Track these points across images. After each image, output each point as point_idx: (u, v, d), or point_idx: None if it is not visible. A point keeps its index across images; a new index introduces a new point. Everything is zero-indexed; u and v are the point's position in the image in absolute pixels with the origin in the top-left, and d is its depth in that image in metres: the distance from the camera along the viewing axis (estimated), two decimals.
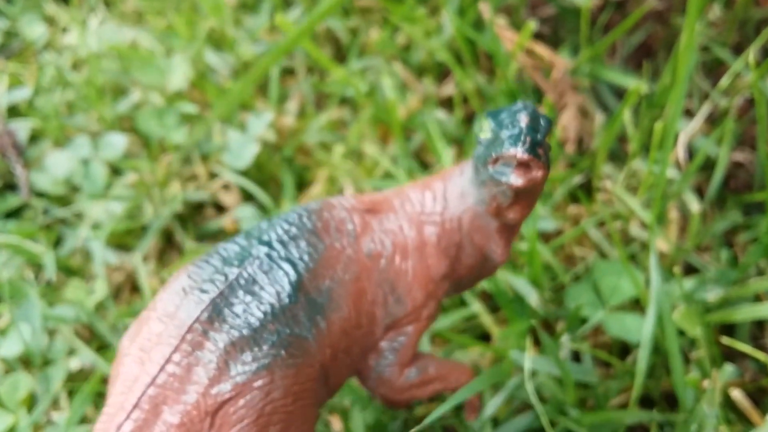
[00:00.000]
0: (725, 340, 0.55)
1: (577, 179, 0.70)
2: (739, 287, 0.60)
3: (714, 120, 0.72)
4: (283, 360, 0.41)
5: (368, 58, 0.80)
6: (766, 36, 0.66)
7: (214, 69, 0.81)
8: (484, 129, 0.44)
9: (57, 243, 0.71)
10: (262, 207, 0.71)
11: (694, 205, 0.63)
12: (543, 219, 0.66)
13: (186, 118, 0.75)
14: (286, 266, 0.43)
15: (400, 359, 0.48)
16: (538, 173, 0.42)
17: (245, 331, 0.41)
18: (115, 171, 0.75)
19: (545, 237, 0.68)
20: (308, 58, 0.82)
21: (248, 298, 0.42)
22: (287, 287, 0.43)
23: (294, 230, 0.45)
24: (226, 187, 0.73)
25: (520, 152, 0.41)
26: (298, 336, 0.42)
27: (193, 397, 0.39)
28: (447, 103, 0.79)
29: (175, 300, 0.42)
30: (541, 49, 0.74)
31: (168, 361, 0.40)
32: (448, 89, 0.79)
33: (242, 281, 0.42)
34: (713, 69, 0.77)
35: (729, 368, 0.54)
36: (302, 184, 0.75)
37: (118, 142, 0.73)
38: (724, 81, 0.67)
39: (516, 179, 0.42)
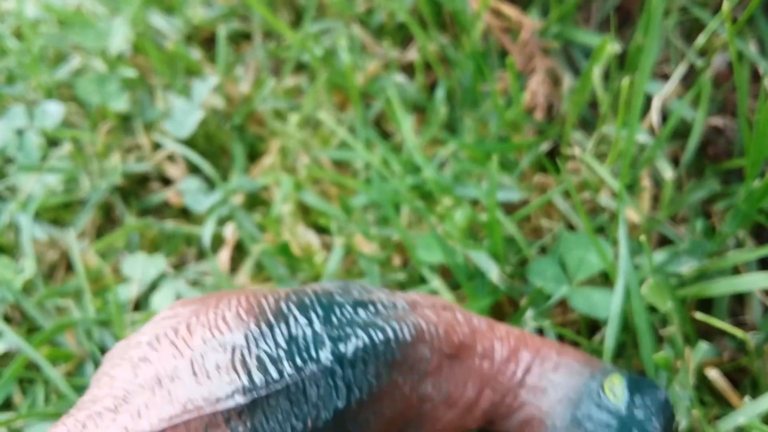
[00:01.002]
0: (699, 315, 0.50)
1: (545, 146, 0.66)
2: (716, 259, 0.55)
3: (691, 84, 0.68)
4: None
5: (326, 21, 0.75)
6: None
7: (162, 33, 0.76)
8: (616, 392, 0.41)
9: None
10: (208, 179, 0.67)
11: (668, 173, 0.59)
12: (507, 189, 0.62)
13: (127, 83, 0.70)
14: (341, 391, 0.37)
15: None
16: None
17: None
18: (54, 142, 0.70)
19: (510, 208, 0.64)
20: (265, 21, 0.78)
21: (287, 405, 0.36)
22: (329, 413, 0.37)
23: (370, 356, 0.38)
24: (171, 158, 0.69)
25: None
26: None
27: None
28: (409, 69, 0.75)
29: (218, 356, 0.35)
30: (508, 9, 0.69)
31: (170, 425, 0.34)
32: (411, 54, 0.74)
33: (292, 386, 0.36)
34: (693, 32, 0.72)
35: (704, 346, 0.50)
36: (254, 155, 0.70)
37: (54, 111, 0.68)
38: (701, 39, 0.63)
39: None
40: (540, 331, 0.56)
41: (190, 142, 0.68)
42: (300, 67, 0.76)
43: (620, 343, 0.54)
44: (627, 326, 0.54)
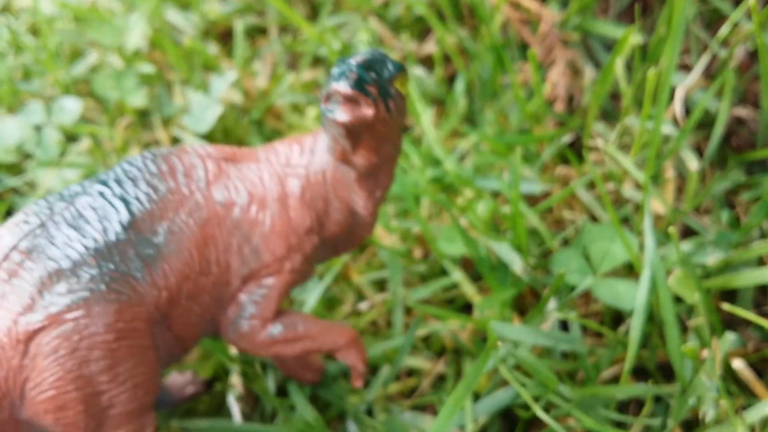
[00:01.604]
0: (726, 306, 0.50)
1: (567, 138, 0.65)
2: (741, 250, 0.55)
3: (713, 75, 0.67)
4: (102, 295, 0.40)
5: (343, 15, 0.75)
6: None
7: (177, 29, 0.76)
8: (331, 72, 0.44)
9: (8, 213, 0.66)
10: None
11: (693, 163, 0.58)
12: (529, 181, 0.61)
13: (145, 79, 0.70)
14: (118, 204, 0.43)
15: (262, 313, 0.46)
16: (367, 111, 0.40)
17: (63, 263, 0.40)
18: (72, 138, 0.70)
19: (532, 200, 0.63)
20: (281, 16, 0.77)
21: (71, 231, 0.41)
22: (116, 224, 0.42)
23: (134, 171, 0.44)
24: None
25: (342, 87, 0.40)
26: (124, 273, 0.41)
27: (4, 324, 0.39)
28: (428, 62, 0.74)
29: (3, 230, 0.42)
30: (528, 1, 0.69)
31: None
32: (429, 47, 0.74)
33: (68, 215, 0.42)
34: (712, 22, 0.72)
35: (730, 337, 0.50)
36: None
37: (72, 107, 0.68)
38: (724, 30, 0.62)
39: (341, 115, 0.40)
40: (564, 324, 0.55)
41: (208, 137, 0.68)
42: (317, 61, 0.75)
43: (646, 333, 0.53)
44: (652, 317, 0.53)
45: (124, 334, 0.41)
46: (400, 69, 0.42)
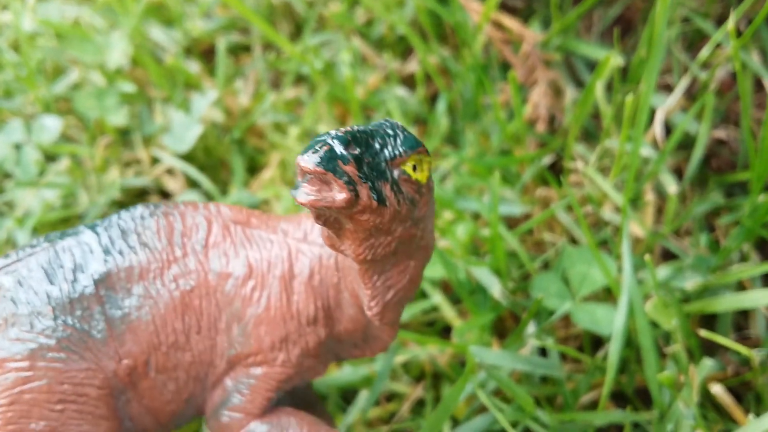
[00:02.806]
0: (703, 333, 0.50)
1: (548, 159, 0.65)
2: (720, 274, 0.55)
3: (695, 95, 0.67)
4: (49, 349, 0.37)
5: (326, 33, 0.75)
6: (747, 4, 0.61)
7: (161, 46, 0.75)
8: None
9: None
10: (207, 193, 0.66)
11: (672, 187, 0.58)
12: (509, 202, 0.61)
13: (126, 98, 0.69)
14: (99, 254, 0.39)
15: (246, 406, 0.41)
16: (335, 195, 0.33)
17: (21, 308, 0.38)
18: (52, 157, 0.69)
19: (512, 222, 0.63)
20: (265, 33, 0.77)
21: (40, 275, 0.38)
22: (88, 276, 0.38)
23: (128, 222, 0.40)
24: (170, 171, 0.68)
25: (304, 160, 0.33)
26: (81, 331, 0.38)
27: None
28: (411, 80, 0.74)
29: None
30: (510, 21, 0.69)
31: None
32: (412, 66, 0.74)
33: (44, 257, 0.39)
34: (695, 42, 0.72)
35: (708, 363, 0.49)
36: (254, 168, 0.70)
37: (52, 125, 0.67)
38: (704, 52, 0.62)
39: (301, 194, 0.33)
40: (543, 349, 0.55)
41: (189, 156, 0.68)
42: (300, 79, 0.75)
43: (624, 358, 0.53)
44: (630, 342, 0.53)
45: (70, 397, 0.38)
46: (413, 147, 0.35)
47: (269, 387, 0.41)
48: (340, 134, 0.33)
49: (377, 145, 0.35)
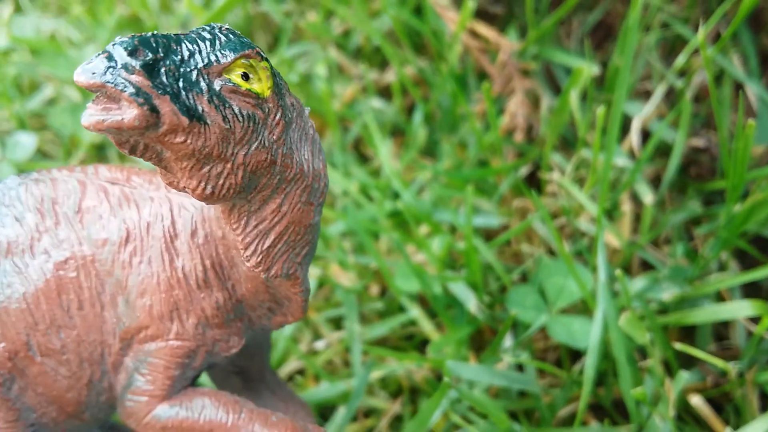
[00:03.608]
0: (679, 346, 0.49)
1: (525, 169, 0.65)
2: (698, 285, 0.54)
3: (674, 100, 0.67)
4: None
5: (303, 44, 0.75)
6: (722, 11, 0.61)
7: None
8: None
9: None
10: None
11: (647, 197, 0.58)
12: (486, 214, 0.61)
13: None
14: None
15: (149, 388, 0.36)
16: (127, 112, 0.27)
17: None
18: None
19: (491, 234, 0.63)
20: None
21: None
22: None
23: None
24: None
25: (78, 74, 0.27)
26: None
27: None
28: (388, 91, 0.74)
29: None
30: (486, 30, 0.68)
31: None
32: (390, 76, 0.73)
33: None
34: (675, 47, 0.71)
35: (684, 375, 0.49)
36: None
37: (27, 142, 0.67)
38: (681, 59, 0.62)
39: (84, 116, 0.28)
40: (519, 367, 0.55)
41: None
42: None
43: (601, 371, 0.53)
44: (608, 355, 0.53)
45: None
46: (238, 50, 0.29)
47: (169, 364, 0.36)
48: (124, 39, 0.27)
49: (185, 51, 0.28)
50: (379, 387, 0.56)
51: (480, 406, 0.47)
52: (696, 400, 0.51)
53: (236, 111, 0.29)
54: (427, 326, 0.57)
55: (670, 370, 0.53)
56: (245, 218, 0.33)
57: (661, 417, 0.47)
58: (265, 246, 0.33)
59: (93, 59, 0.27)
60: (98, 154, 0.69)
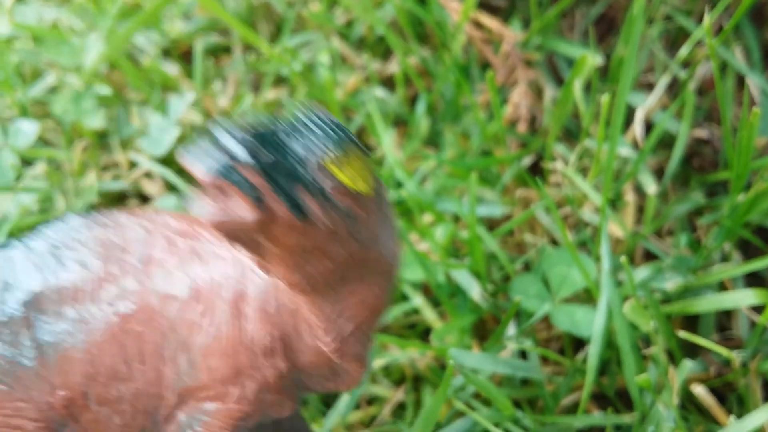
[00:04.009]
0: (682, 334, 0.49)
1: (528, 159, 0.65)
2: (701, 275, 0.54)
3: (677, 93, 0.67)
4: None
5: (306, 33, 0.74)
6: (726, 3, 0.61)
7: (139, 48, 0.75)
8: None
9: None
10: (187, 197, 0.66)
11: (651, 187, 0.58)
12: (489, 204, 0.61)
13: (104, 101, 0.69)
14: (30, 271, 0.35)
15: None
16: (239, 211, 0.26)
17: None
18: (28, 162, 0.69)
19: (493, 223, 0.63)
20: (243, 36, 0.76)
21: None
22: (16, 296, 0.34)
23: (61, 237, 0.36)
24: (148, 175, 0.67)
25: (196, 167, 0.26)
26: (10, 358, 0.34)
27: None
28: (391, 82, 0.74)
29: None
30: (489, 21, 0.68)
31: None
32: (393, 66, 0.73)
33: None
34: (678, 40, 0.71)
35: (688, 364, 0.49)
36: None
37: (29, 130, 0.66)
38: (684, 50, 0.62)
39: (198, 206, 0.27)
40: (522, 353, 0.55)
41: (167, 159, 0.67)
42: (280, 80, 0.75)
43: (605, 360, 0.53)
44: (611, 343, 0.53)
45: (3, 431, 0.35)
46: (345, 145, 0.28)
47: (224, 424, 0.37)
48: (244, 136, 0.26)
49: (299, 149, 0.27)
50: (382, 375, 0.56)
51: (485, 391, 0.47)
52: (699, 390, 0.51)
53: (340, 208, 0.28)
54: (430, 315, 0.57)
55: (673, 359, 0.53)
56: (329, 306, 0.32)
57: (665, 405, 0.47)
58: (345, 334, 0.33)
59: (210, 152, 0.26)
60: (100, 141, 0.69)
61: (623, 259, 0.48)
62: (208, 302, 0.35)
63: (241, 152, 0.26)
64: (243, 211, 0.26)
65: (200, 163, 0.26)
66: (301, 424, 0.46)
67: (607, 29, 0.76)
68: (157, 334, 0.35)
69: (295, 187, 0.27)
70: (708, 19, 0.48)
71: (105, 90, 0.68)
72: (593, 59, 0.58)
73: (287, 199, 0.27)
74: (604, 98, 0.50)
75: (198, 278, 0.35)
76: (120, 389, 0.35)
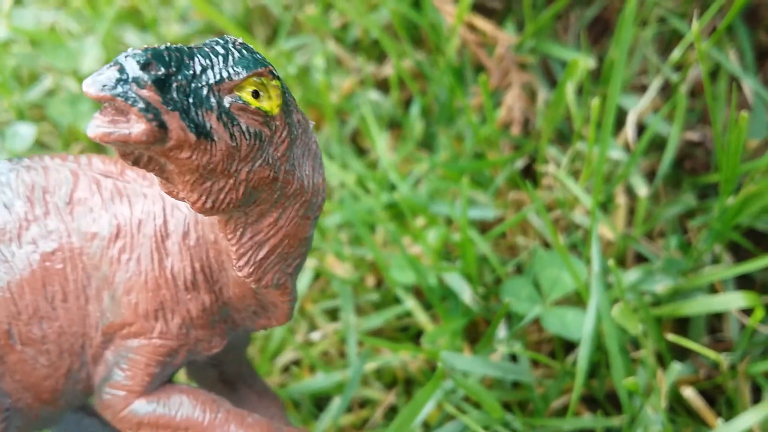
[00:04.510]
0: (671, 337, 0.50)
1: (521, 162, 0.65)
2: (691, 277, 0.55)
3: (669, 95, 0.67)
4: None
5: (302, 37, 0.75)
6: (718, 5, 0.61)
7: None
8: None
9: None
10: None
11: (642, 190, 0.58)
12: (482, 206, 0.61)
13: (100, 105, 0.69)
14: None
15: (127, 383, 0.36)
16: (134, 126, 0.26)
17: None
18: None
19: (486, 225, 0.63)
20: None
21: None
22: None
23: None
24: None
25: (88, 85, 0.26)
26: None
27: None
28: (386, 84, 0.74)
29: None
30: (484, 24, 0.69)
31: None
32: (388, 69, 0.73)
33: None
34: (671, 42, 0.72)
35: (677, 367, 0.49)
36: None
37: (26, 133, 0.67)
38: (676, 53, 0.62)
39: (90, 126, 0.27)
40: (513, 356, 0.55)
41: None
42: None
43: (594, 362, 0.53)
44: (601, 346, 0.53)
45: None
46: (250, 68, 0.29)
47: (150, 361, 0.37)
48: (137, 51, 0.27)
49: (198, 66, 0.28)
50: (374, 378, 0.57)
51: (474, 394, 0.47)
52: (688, 392, 0.51)
53: (243, 128, 0.29)
54: (422, 317, 0.57)
55: (663, 362, 0.53)
56: (241, 230, 0.33)
57: (653, 408, 0.48)
58: (259, 257, 0.33)
59: (104, 70, 0.27)
60: (97, 145, 0.70)
61: (611, 262, 0.48)
62: (128, 238, 0.35)
63: (133, 68, 0.27)
64: (134, 125, 0.27)
65: (92, 81, 0.27)
66: (248, 371, 0.45)
67: (602, 31, 0.76)
68: (80, 272, 0.36)
69: (193, 104, 0.28)
70: (697, 25, 0.49)
71: None
72: (585, 63, 0.58)
73: (183, 115, 0.27)
74: (594, 102, 0.51)
75: (120, 215, 0.35)
76: (44, 328, 0.36)
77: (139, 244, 0.35)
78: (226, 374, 0.44)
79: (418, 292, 0.60)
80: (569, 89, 0.59)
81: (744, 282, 0.57)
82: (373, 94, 0.70)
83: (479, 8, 0.74)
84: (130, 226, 0.35)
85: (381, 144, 0.65)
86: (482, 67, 0.70)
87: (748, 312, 0.55)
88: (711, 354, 0.49)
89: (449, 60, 0.66)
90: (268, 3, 0.77)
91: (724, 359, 0.49)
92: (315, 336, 0.59)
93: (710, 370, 0.54)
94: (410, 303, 0.57)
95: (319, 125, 0.71)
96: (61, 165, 0.37)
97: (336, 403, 0.54)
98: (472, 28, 0.70)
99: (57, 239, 0.35)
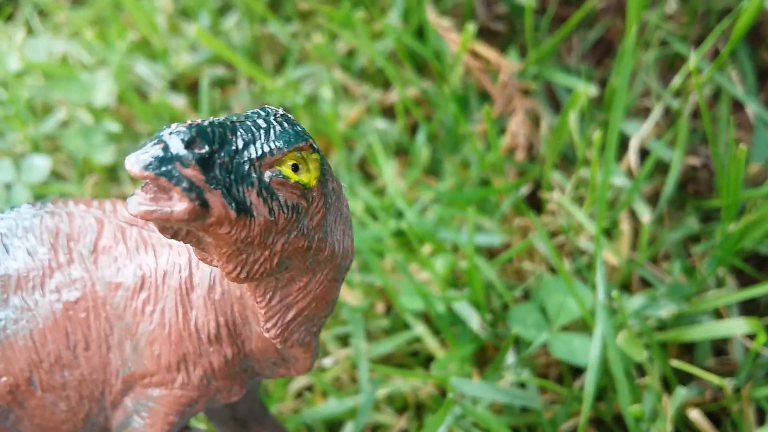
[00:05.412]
0: (675, 363, 0.51)
1: (526, 188, 0.66)
2: (695, 301, 0.56)
3: (673, 118, 0.68)
4: None
5: (309, 66, 0.76)
6: (721, 29, 0.62)
7: (147, 81, 0.77)
8: None
9: None
10: None
11: (645, 216, 0.59)
12: (488, 233, 0.62)
13: (113, 135, 0.71)
14: None
15: (149, 430, 0.37)
16: (177, 205, 0.27)
17: None
18: (40, 196, 0.71)
19: (492, 252, 0.64)
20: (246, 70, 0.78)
21: None
22: None
23: (9, 225, 0.36)
24: None
25: (131, 164, 0.27)
26: None
27: None
28: (392, 111, 0.75)
29: None
30: (487, 51, 0.70)
31: None
32: (394, 96, 0.75)
33: None
34: (674, 65, 0.73)
35: (682, 392, 0.50)
36: None
37: (41, 165, 0.68)
38: (676, 81, 0.63)
39: (132, 202, 0.27)
40: (522, 385, 0.56)
41: None
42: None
43: (602, 386, 0.54)
44: (608, 370, 0.54)
45: None
46: (291, 143, 0.29)
47: (170, 411, 0.37)
48: (181, 129, 0.27)
49: (240, 141, 0.29)
50: (385, 403, 0.58)
51: (483, 422, 0.48)
52: (694, 414, 0.52)
53: (282, 202, 0.30)
54: (431, 343, 0.58)
55: (668, 386, 0.54)
56: (270, 293, 0.33)
57: None
58: (286, 320, 0.34)
59: (148, 148, 0.27)
60: (111, 175, 0.71)
61: (615, 293, 0.49)
62: (153, 289, 0.36)
63: (177, 146, 0.27)
64: (176, 204, 0.27)
65: (136, 159, 0.27)
66: (259, 409, 0.46)
67: (605, 52, 0.77)
68: (102, 322, 0.36)
69: (234, 181, 0.28)
70: (695, 58, 0.50)
71: (114, 127, 0.70)
72: (587, 91, 0.59)
73: (225, 192, 0.28)
74: (596, 134, 0.52)
75: (145, 266, 0.36)
76: (65, 375, 0.36)
77: (163, 296, 0.36)
78: (239, 412, 0.45)
79: (427, 318, 0.61)
80: (572, 118, 0.60)
81: (750, 305, 0.58)
82: (380, 122, 0.71)
83: (483, 31, 0.75)
84: (155, 277, 0.36)
85: (388, 171, 0.66)
86: (486, 94, 0.72)
87: (752, 335, 0.56)
88: (714, 379, 0.50)
89: (453, 88, 0.68)
90: (276, 32, 0.79)
91: (728, 384, 0.50)
92: (327, 362, 0.60)
93: (716, 392, 0.54)
94: (420, 329, 0.59)
95: (327, 153, 0.72)
96: (85, 211, 0.37)
97: (349, 429, 0.55)
98: (475, 55, 0.71)
99: (81, 288, 0.36)
